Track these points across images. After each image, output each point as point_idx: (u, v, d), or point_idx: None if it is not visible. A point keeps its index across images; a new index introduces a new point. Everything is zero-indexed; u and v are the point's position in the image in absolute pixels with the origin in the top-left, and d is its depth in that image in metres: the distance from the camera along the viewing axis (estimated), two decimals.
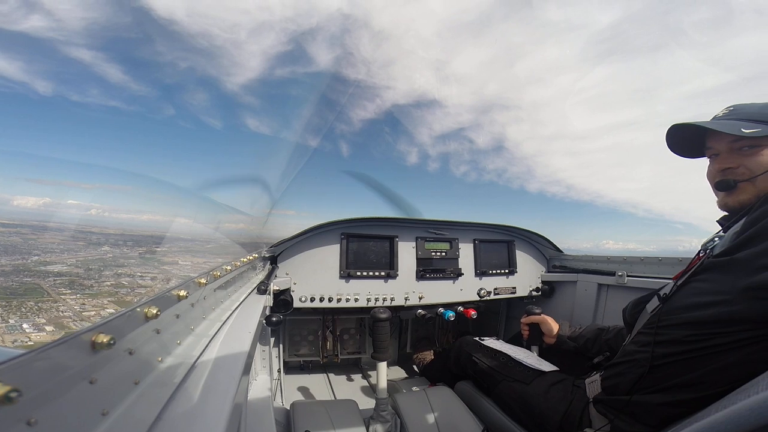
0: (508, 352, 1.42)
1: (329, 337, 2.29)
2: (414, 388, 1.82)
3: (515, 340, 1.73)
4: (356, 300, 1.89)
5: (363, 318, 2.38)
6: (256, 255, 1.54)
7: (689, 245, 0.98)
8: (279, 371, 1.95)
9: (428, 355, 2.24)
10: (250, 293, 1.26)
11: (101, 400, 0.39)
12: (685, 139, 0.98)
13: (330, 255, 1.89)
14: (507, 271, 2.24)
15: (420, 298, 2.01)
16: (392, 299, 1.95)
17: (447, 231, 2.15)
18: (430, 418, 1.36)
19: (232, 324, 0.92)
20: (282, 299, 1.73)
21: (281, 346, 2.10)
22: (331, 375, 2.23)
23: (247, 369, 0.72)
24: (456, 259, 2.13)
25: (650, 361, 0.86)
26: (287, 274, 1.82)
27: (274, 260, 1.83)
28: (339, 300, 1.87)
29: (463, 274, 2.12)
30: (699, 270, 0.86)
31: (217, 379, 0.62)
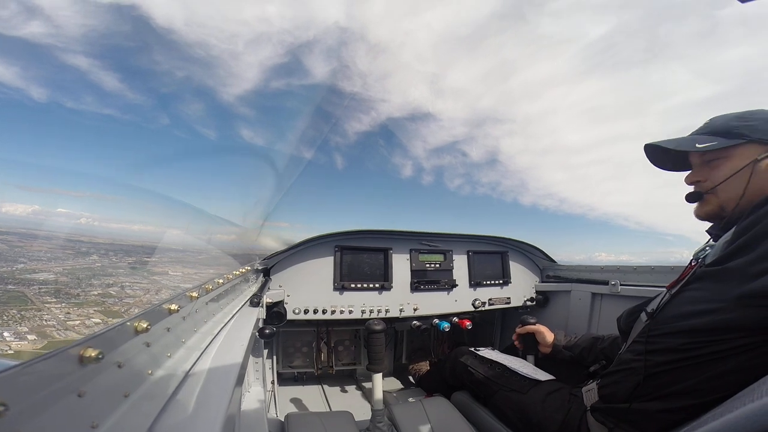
0: (503, 362, 1.42)
1: (323, 348, 2.27)
2: (410, 399, 1.80)
3: (511, 349, 1.72)
4: (350, 312, 1.88)
5: (358, 329, 2.36)
6: (249, 267, 1.53)
7: (680, 256, 1.01)
8: (273, 383, 1.92)
9: (424, 366, 2.22)
10: (242, 306, 1.25)
11: (90, 412, 0.38)
12: (671, 155, 1.01)
13: (324, 267, 1.88)
14: (501, 281, 2.25)
15: (415, 310, 2.00)
16: (387, 311, 1.94)
17: (441, 243, 2.16)
18: (428, 429, 1.35)
19: (225, 337, 0.92)
20: (275, 311, 1.71)
21: (275, 357, 2.07)
22: (326, 386, 2.19)
23: (239, 380, 0.71)
24: (450, 270, 2.13)
25: (646, 369, 0.86)
26: (280, 286, 1.80)
27: (267, 272, 1.82)
28: (333, 312, 1.85)
29: (457, 285, 2.12)
30: (692, 279, 0.87)
31: (209, 391, 0.61)
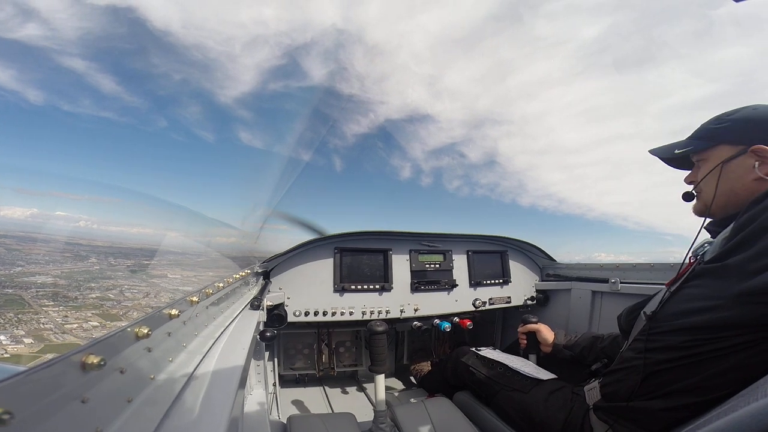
0: (505, 362, 1.42)
1: (325, 350, 2.26)
2: (412, 400, 1.80)
3: (512, 349, 1.72)
4: (351, 313, 1.88)
5: (359, 330, 2.36)
6: (249, 271, 1.53)
7: (680, 256, 1.03)
8: (275, 385, 1.92)
9: (425, 366, 2.22)
10: (243, 309, 1.25)
11: (94, 418, 0.39)
12: (677, 156, 1.05)
13: (324, 269, 1.88)
14: (501, 281, 2.25)
15: (415, 310, 2.00)
16: (387, 312, 1.94)
17: (440, 243, 2.16)
18: (430, 429, 1.34)
19: (226, 340, 0.92)
20: (276, 314, 1.71)
21: (276, 359, 2.07)
22: (328, 388, 2.19)
23: (241, 383, 0.71)
24: (450, 270, 2.13)
25: (646, 367, 0.87)
26: (281, 288, 1.80)
27: (267, 275, 1.81)
28: (334, 314, 1.85)
29: (457, 285, 2.12)
30: (691, 276, 0.87)
31: (211, 394, 0.62)
